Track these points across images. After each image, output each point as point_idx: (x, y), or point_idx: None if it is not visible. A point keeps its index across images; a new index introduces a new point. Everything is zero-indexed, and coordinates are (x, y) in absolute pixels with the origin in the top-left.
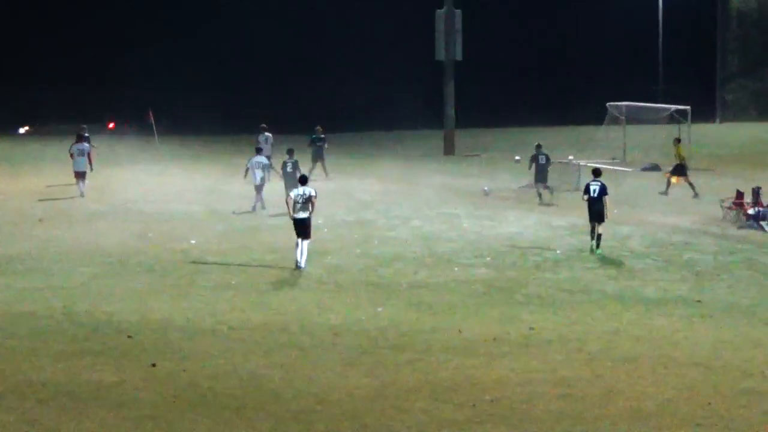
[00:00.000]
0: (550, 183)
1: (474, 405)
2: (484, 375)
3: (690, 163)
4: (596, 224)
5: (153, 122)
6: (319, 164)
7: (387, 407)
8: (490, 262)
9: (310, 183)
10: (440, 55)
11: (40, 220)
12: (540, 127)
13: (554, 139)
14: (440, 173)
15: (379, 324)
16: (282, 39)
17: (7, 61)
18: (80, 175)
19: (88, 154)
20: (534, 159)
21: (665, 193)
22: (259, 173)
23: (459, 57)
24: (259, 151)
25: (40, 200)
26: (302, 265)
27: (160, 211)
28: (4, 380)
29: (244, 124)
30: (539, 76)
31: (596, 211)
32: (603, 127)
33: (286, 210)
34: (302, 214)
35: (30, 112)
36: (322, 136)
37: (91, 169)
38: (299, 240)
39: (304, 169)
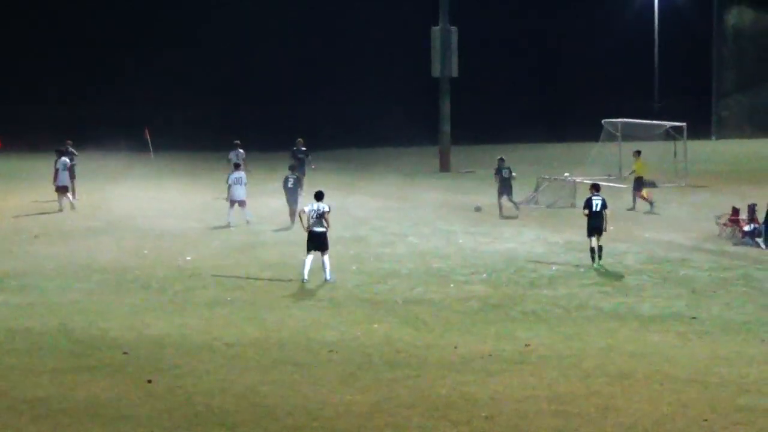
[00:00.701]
0: (544, 200)
1: (469, 421)
2: (480, 391)
3: (647, 178)
4: (596, 237)
5: (149, 139)
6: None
7: (382, 424)
8: (485, 278)
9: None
10: (436, 71)
11: (35, 237)
12: (536, 144)
13: (550, 156)
14: (436, 189)
15: (375, 340)
16: (278, 56)
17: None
18: (63, 190)
19: (69, 168)
20: (497, 172)
21: (652, 210)
22: (240, 189)
23: (455, 74)
24: (237, 167)
25: (35, 216)
26: (328, 277)
27: (155, 227)
28: None
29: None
30: (535, 92)
31: (597, 225)
32: (598, 144)
33: (281, 226)
34: (318, 229)
35: (24, 128)
36: (303, 148)
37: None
38: (310, 255)
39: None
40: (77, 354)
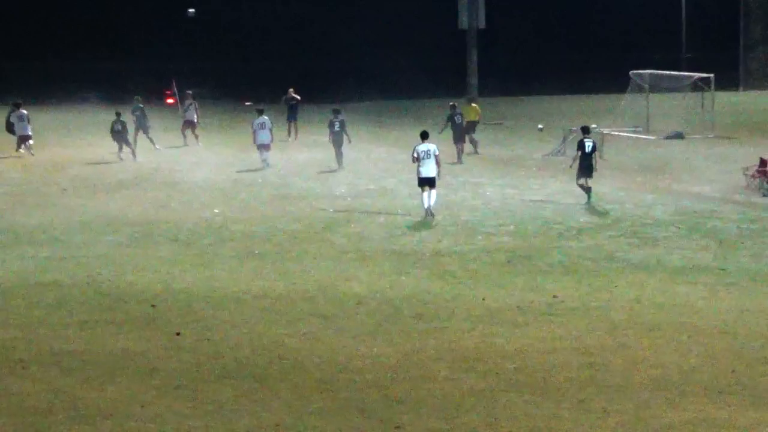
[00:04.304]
0: (571, 152)
1: (497, 373)
2: (508, 343)
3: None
4: (587, 179)
5: (176, 92)
6: (292, 124)
7: (410, 376)
8: (513, 230)
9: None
10: (463, 23)
11: (63, 190)
12: (563, 96)
13: (577, 108)
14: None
15: (403, 292)
16: (303, 6)
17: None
18: (27, 138)
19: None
20: (450, 119)
21: (475, 151)
22: (263, 133)
23: (482, 25)
24: (260, 112)
25: (63, 170)
26: (432, 204)
27: (183, 180)
28: (28, 349)
29: (265, 93)
30: (562, 44)
31: (588, 166)
32: (626, 96)
33: (308, 180)
34: (429, 172)
35: (45, 84)
36: (296, 96)
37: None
38: (425, 192)
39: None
40: (105, 307)
